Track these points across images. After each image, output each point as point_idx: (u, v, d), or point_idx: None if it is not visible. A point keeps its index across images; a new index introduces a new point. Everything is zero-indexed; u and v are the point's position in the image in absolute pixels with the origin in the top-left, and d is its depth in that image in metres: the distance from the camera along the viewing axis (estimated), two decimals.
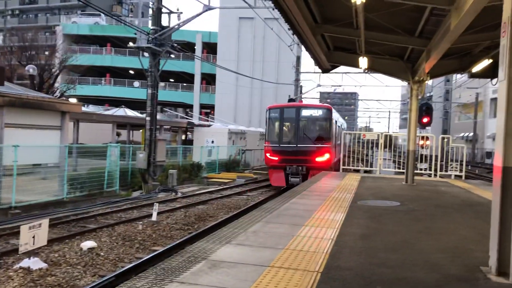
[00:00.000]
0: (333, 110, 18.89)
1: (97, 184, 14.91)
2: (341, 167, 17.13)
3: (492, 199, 4.34)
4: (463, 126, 56.88)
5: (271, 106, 19.42)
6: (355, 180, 13.35)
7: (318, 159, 16.90)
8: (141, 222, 11.08)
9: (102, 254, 8.21)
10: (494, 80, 10.51)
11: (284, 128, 18.33)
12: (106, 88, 49.90)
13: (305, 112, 18.12)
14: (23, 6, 68.53)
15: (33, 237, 7.22)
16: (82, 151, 17.07)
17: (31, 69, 23.82)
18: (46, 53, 32.28)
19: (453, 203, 9.24)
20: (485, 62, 10.46)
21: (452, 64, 12.36)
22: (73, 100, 26.88)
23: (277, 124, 18.26)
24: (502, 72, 4.22)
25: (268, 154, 17.83)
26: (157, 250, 8.36)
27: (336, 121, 19.21)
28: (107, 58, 49.44)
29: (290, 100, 32.80)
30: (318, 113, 18.29)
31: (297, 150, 17.20)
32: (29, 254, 7.23)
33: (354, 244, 5.31)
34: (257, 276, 4.01)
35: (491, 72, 10.64)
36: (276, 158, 17.41)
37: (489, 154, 47.10)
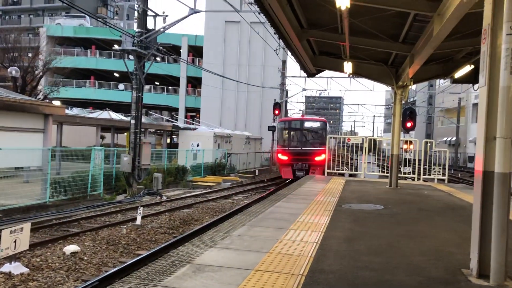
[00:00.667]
0: (327, 122, 23.98)
1: (81, 187, 14.74)
2: (326, 170, 17.26)
3: (473, 203, 4.42)
4: (446, 131, 57.66)
5: (282, 119, 25.95)
6: (339, 184, 13.44)
7: (317, 158, 20.96)
8: (125, 226, 10.98)
9: (85, 258, 8.11)
10: (476, 86, 10.70)
11: (291, 135, 23.42)
12: (90, 91, 49.38)
13: (307, 124, 23.29)
14: (6, 7, 67.52)
15: (15, 241, 7.11)
16: (65, 154, 16.86)
17: (13, 71, 23.47)
18: (29, 54, 31.86)
19: (435, 207, 9.37)
20: (467, 68, 10.65)
21: (435, 70, 12.55)
22: (56, 103, 26.54)
23: (286, 132, 23.49)
24: (482, 78, 4.31)
25: (279, 155, 22.66)
26: (141, 254, 8.29)
27: (328, 129, 23.89)
28: (92, 60, 48.98)
29: (276, 104, 33.31)
30: (316, 124, 23.57)
31: (301, 152, 21.91)
32: (10, 258, 7.11)
33: (338, 247, 5.35)
34: (242, 279, 4.01)
35: (473, 78, 10.83)
36: (286, 158, 22.07)
37: (471, 158, 47.80)
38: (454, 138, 51.05)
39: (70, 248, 8.44)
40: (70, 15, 53.91)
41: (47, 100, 27.25)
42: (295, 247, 5.25)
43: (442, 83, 50.09)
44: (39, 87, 31.46)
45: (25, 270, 7.12)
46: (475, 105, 48.43)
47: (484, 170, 4.25)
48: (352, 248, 5.35)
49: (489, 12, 4.26)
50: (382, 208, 8.80)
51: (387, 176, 14.23)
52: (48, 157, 13.98)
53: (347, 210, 8.31)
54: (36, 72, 30.24)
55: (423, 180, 16.36)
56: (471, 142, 48.66)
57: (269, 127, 36.11)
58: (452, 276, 4.37)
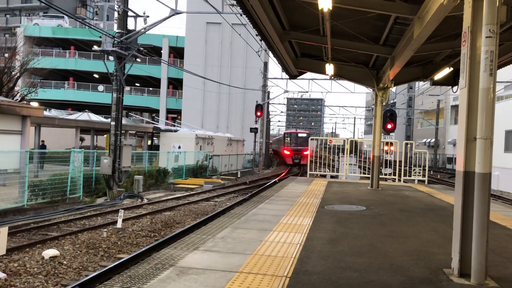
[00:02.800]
0: (310, 133, 46.51)
1: (60, 190, 14.48)
2: (308, 172, 17.33)
3: (454, 203, 4.47)
4: (425, 132, 58.53)
5: (285, 131, 48.50)
6: (321, 185, 13.51)
7: (305, 153, 36.31)
8: (105, 229, 10.82)
9: (65, 262, 7.96)
10: (455, 88, 10.87)
11: (291, 140, 42.70)
12: (69, 92, 48.60)
13: (299, 134, 43.34)
14: None
15: None
16: (44, 157, 16.54)
17: None
18: (6, 55, 31.17)
19: (416, 207, 9.48)
20: (446, 70, 10.81)
21: (415, 72, 12.72)
22: (34, 104, 26.04)
23: (288, 139, 43.21)
24: (463, 79, 4.37)
25: (285, 151, 42.28)
26: (122, 258, 8.18)
27: (310, 136, 42.42)
28: (71, 61, 48.22)
29: (258, 106, 33.46)
30: (304, 134, 43.69)
31: (297, 149, 40.90)
32: None
33: (321, 248, 5.36)
34: (226, 282, 3.99)
35: (452, 80, 11.00)
36: (289, 152, 41.37)
37: (450, 160, 48.61)
38: (433, 140, 51.85)
39: (49, 252, 8.27)
40: (48, 15, 52.96)
41: (25, 102, 26.71)
42: (279, 249, 5.24)
43: (421, 85, 50.84)
44: (16, 88, 30.78)
45: (2, 275, 6.95)
46: (454, 107, 49.29)
47: (465, 171, 4.31)
48: (335, 249, 5.37)
49: (468, 15, 4.33)
50: (364, 209, 8.87)
51: (368, 177, 14.36)
52: (26, 160, 13.69)
53: (330, 212, 8.35)
54: (13, 73, 29.59)
55: (404, 181, 16.56)
56: (450, 144, 49.51)
57: (251, 128, 36.11)
58: (434, 275, 4.41)
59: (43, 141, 23.93)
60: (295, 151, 41.21)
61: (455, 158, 45.00)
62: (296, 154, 40.95)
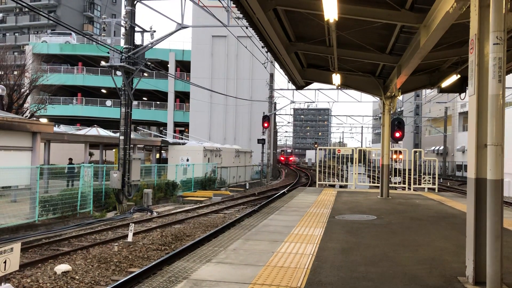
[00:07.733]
0: (293, 149, 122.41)
1: (70, 205, 14.56)
2: (317, 182, 17.30)
3: (466, 210, 4.45)
4: (433, 140, 58.21)
5: (282, 149, 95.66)
6: (331, 195, 13.47)
7: (291, 158, 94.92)
8: (116, 244, 10.85)
9: (77, 277, 7.99)
10: (462, 95, 10.86)
11: (284, 153, 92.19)
12: (77, 108, 49.07)
13: (288, 150, 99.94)
14: None
15: (5, 262, 6.96)
16: (54, 172, 16.67)
17: None
18: (15, 72, 31.63)
19: (428, 216, 9.42)
20: (454, 78, 10.80)
21: (422, 80, 12.71)
22: (43, 120, 26.29)
23: (283, 152, 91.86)
24: (471, 87, 4.38)
25: (281, 157, 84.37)
26: (134, 272, 8.18)
27: (293, 151, 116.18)
28: (79, 77, 48.74)
29: (265, 117, 33.53)
30: (289, 150, 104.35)
31: (286, 157, 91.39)
32: (0, 280, 6.96)
33: (334, 258, 5.35)
34: None
35: (459, 87, 10.98)
36: (283, 158, 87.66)
37: (460, 167, 48.24)
38: (441, 147, 51.52)
39: (61, 268, 8.30)
40: (55, 33, 53.72)
41: (34, 118, 26.99)
42: (291, 260, 5.23)
43: (428, 92, 50.71)
44: (26, 105, 31.18)
45: None
46: (462, 113, 49.06)
47: (477, 178, 4.29)
48: (348, 259, 5.35)
49: (475, 23, 4.35)
50: (375, 218, 8.83)
51: (378, 186, 14.30)
52: (37, 176, 13.80)
53: (341, 221, 8.32)
54: (23, 90, 29.99)
55: (414, 190, 16.47)
56: (459, 151, 49.16)
57: (258, 140, 36.16)
58: (449, 284, 4.38)
59: (71, 159, 24.02)
60: (285, 157, 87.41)
61: (465, 165, 44.67)
62: (286, 159, 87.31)
